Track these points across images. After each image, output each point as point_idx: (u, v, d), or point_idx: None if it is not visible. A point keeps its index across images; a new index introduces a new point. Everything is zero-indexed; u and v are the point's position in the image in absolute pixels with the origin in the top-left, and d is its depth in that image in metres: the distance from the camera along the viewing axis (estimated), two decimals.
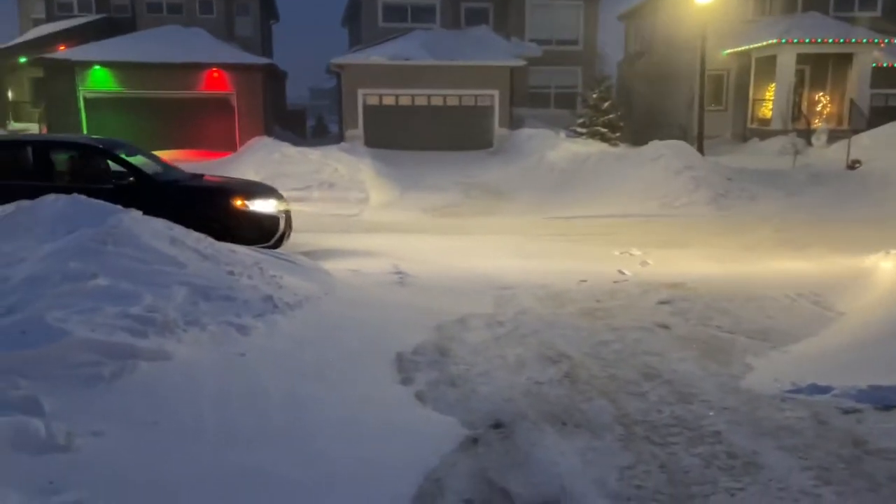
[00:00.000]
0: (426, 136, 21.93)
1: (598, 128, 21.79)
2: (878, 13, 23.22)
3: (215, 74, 22.00)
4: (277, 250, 8.13)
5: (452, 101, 23.05)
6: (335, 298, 6.48)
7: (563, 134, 21.08)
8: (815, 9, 22.75)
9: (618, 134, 21.82)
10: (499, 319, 6.35)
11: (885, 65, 21.70)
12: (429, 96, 22.83)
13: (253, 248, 7.39)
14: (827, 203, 13.34)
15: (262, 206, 9.01)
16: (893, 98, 22.01)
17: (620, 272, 8.41)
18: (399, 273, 8.03)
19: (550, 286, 7.60)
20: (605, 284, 7.79)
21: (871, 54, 21.48)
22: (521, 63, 23.44)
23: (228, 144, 20.89)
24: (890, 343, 5.15)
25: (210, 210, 8.56)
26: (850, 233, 10.83)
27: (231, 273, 5.93)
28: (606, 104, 22.13)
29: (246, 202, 8.83)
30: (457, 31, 25.64)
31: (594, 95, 22.36)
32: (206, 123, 21.60)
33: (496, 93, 22.88)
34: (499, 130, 22.84)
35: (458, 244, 10.52)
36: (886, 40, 20.84)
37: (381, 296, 7.08)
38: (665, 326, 6.17)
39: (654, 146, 15.87)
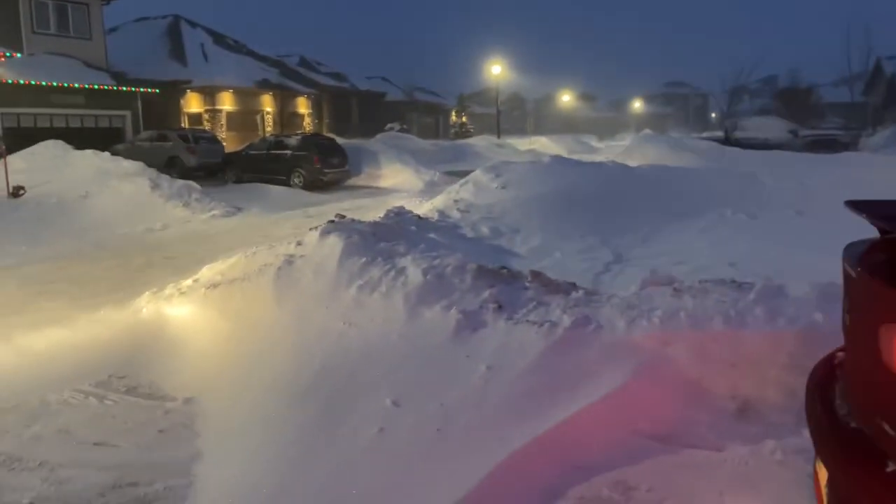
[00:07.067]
0: None
1: None
2: None
3: None
4: None
5: None
6: None
7: None
8: None
9: None
10: None
11: (10, 81, 19.20)
12: None
13: None
14: (10, 241, 10.31)
15: None
16: (26, 118, 19.83)
17: None
18: None
19: None
20: None
21: None
22: None
23: None
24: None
25: None
26: (71, 273, 8.36)
27: None
28: None
29: None
30: None
31: None
32: None
33: None
34: None
35: None
36: (8, 53, 18.33)
37: None
38: None
39: None
